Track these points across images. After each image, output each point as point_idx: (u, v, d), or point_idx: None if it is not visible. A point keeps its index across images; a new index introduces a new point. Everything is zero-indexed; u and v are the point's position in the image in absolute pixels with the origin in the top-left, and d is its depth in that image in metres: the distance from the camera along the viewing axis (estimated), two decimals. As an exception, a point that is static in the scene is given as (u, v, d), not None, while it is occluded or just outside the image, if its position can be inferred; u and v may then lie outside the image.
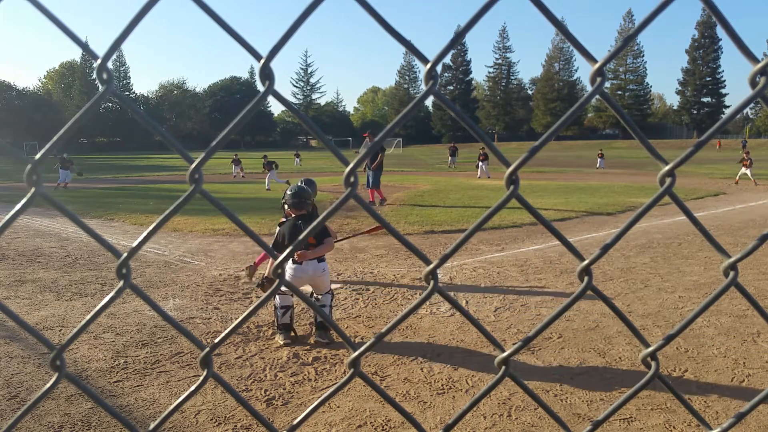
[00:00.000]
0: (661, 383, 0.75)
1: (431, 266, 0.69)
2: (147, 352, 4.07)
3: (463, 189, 17.14)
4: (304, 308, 4.84)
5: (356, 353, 0.73)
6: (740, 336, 4.39)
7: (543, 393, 3.43)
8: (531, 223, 9.68)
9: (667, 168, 0.66)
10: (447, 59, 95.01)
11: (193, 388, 0.70)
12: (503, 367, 0.76)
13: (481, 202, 13.43)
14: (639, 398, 3.31)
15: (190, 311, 5.08)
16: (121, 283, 0.68)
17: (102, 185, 20.63)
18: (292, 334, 4.34)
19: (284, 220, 4.56)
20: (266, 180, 18.40)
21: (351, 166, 0.64)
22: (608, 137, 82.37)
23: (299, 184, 4.85)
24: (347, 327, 4.65)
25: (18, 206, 0.62)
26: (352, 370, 0.73)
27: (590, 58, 0.64)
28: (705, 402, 3.34)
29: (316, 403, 0.71)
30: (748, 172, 17.82)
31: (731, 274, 0.73)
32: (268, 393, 3.41)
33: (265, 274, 4.56)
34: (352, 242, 8.45)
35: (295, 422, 0.76)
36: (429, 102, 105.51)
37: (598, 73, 0.64)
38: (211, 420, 3.05)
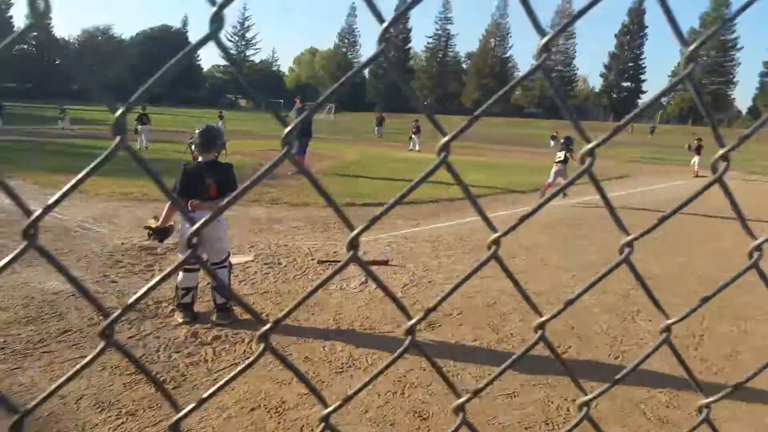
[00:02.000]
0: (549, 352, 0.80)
1: (355, 232, 0.68)
2: (31, 330, 3.81)
3: (390, 161, 17.25)
4: (208, 282, 4.72)
5: (266, 327, 0.70)
6: (621, 314, 4.79)
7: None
8: (448, 199, 9.94)
9: (587, 148, 0.71)
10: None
11: (87, 359, 0.63)
12: (409, 337, 0.77)
13: (407, 175, 13.59)
14: (522, 374, 3.54)
15: (84, 284, 4.80)
16: (24, 244, 0.59)
17: (5, 138, 18.73)
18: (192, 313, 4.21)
19: (186, 164, 4.15)
20: (140, 138, 17.44)
21: (290, 127, 0.63)
22: (532, 116, 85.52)
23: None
24: (254, 303, 4.59)
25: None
26: (262, 345, 0.70)
27: (541, 31, 0.65)
28: (583, 378, 3.63)
29: (226, 379, 0.67)
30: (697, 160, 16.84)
31: (626, 251, 0.79)
32: (159, 376, 3.31)
33: (158, 224, 4.07)
34: (270, 213, 8.30)
35: (198, 400, 0.72)
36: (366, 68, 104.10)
37: (545, 49, 0.65)
38: (94, 405, 2.92)
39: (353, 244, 0.70)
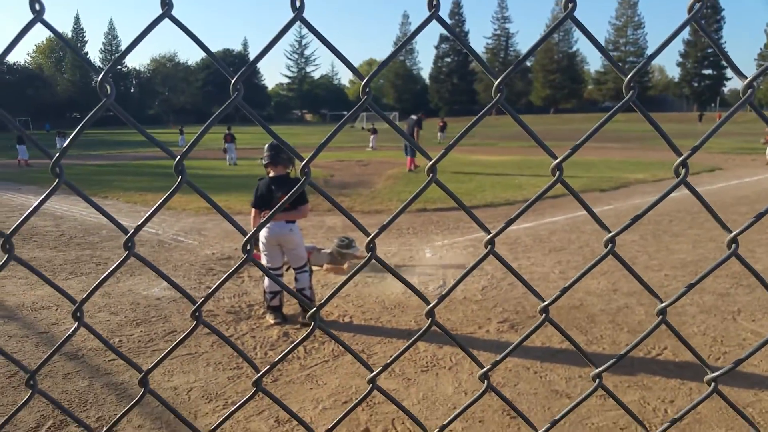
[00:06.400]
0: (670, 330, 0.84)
1: (370, 237, 0.80)
2: (141, 331, 4.17)
3: (458, 164, 17.15)
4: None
5: (313, 310, 0.87)
6: (721, 314, 4.50)
7: (524, 370, 3.55)
8: (523, 201, 9.74)
9: (680, 160, 0.79)
10: (444, 30, 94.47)
11: (185, 335, 0.86)
12: (429, 319, 0.86)
13: (475, 179, 13.47)
14: (616, 375, 3.43)
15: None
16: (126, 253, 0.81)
17: (95, 162, 20.55)
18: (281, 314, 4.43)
19: (260, 179, 4.47)
20: (228, 156, 18.67)
21: (306, 160, 0.79)
22: (607, 110, 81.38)
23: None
24: (337, 306, 4.75)
25: (42, 197, 0.73)
26: (312, 323, 0.87)
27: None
28: (680, 379, 3.46)
29: (285, 352, 0.84)
30: None
31: (733, 246, 0.85)
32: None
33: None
34: (344, 221, 8.52)
35: (271, 363, 0.86)
36: (426, 74, 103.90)
37: (570, 0, 0.75)
38: (203, 397, 3.17)
39: (370, 247, 0.80)
